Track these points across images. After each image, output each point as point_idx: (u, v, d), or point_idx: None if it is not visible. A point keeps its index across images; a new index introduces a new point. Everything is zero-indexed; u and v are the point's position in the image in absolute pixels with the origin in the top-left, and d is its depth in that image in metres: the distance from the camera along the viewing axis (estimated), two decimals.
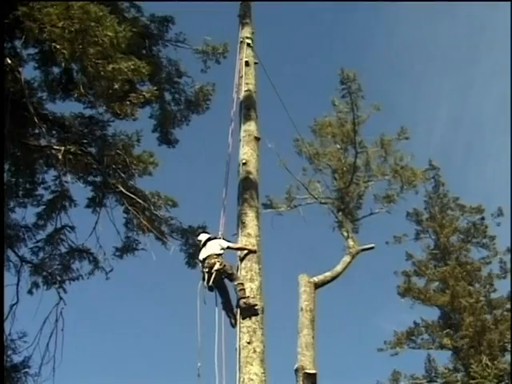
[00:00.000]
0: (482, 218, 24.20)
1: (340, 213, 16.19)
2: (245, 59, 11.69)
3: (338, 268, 13.16)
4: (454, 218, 24.58)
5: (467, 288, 21.49)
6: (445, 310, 22.21)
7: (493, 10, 34.39)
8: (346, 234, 15.32)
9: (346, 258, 13.83)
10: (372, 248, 14.73)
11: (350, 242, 14.73)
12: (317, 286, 11.42)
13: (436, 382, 21.76)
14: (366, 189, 16.91)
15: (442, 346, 21.76)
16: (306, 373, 9.34)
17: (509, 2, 20.81)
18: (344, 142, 17.02)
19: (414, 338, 22.53)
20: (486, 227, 24.00)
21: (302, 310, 10.59)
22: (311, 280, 11.29)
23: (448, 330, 21.63)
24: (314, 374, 9.36)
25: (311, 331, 10.22)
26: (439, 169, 25.50)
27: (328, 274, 12.34)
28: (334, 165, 16.95)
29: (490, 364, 19.07)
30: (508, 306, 21.57)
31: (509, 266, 22.92)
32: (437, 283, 23.05)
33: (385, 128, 18.00)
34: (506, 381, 19.01)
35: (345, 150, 17.05)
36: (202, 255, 8.54)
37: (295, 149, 17.47)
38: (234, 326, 8.07)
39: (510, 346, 20.23)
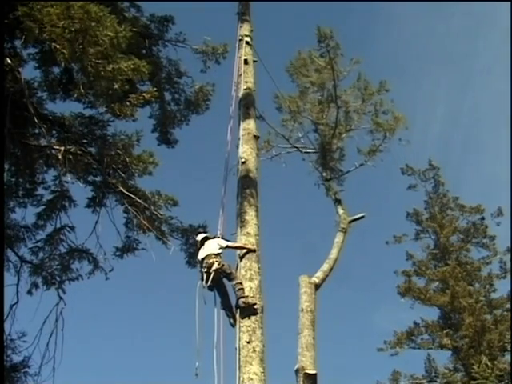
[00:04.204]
0: (482, 218, 24.26)
1: (323, 168, 15.70)
2: (244, 57, 11.71)
3: (334, 253, 12.70)
4: (453, 217, 24.63)
5: (467, 288, 21.49)
6: (445, 310, 22.20)
7: (491, 6, 34.45)
8: (333, 196, 14.87)
9: (339, 238, 13.41)
10: (362, 217, 14.26)
11: (340, 211, 14.32)
12: (317, 286, 11.37)
13: (436, 382, 21.75)
14: (348, 138, 16.37)
15: (441, 346, 21.75)
16: (307, 373, 9.31)
17: (509, 2, 20.85)
18: (322, 90, 16.36)
19: (413, 337, 22.53)
20: (486, 227, 24.05)
21: (302, 310, 10.54)
22: (311, 281, 11.22)
23: (448, 330, 21.63)
24: (315, 375, 9.34)
25: (312, 332, 10.17)
26: (439, 168, 25.60)
27: (326, 268, 11.99)
28: (314, 118, 16.36)
29: (489, 364, 19.05)
30: (508, 305, 21.58)
31: (509, 265, 22.97)
32: (437, 283, 23.06)
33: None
34: (506, 381, 19.00)
35: (326, 104, 16.37)
36: (200, 255, 8.55)
37: (275, 105, 16.97)
38: (233, 325, 8.07)
39: (510, 345, 20.22)
